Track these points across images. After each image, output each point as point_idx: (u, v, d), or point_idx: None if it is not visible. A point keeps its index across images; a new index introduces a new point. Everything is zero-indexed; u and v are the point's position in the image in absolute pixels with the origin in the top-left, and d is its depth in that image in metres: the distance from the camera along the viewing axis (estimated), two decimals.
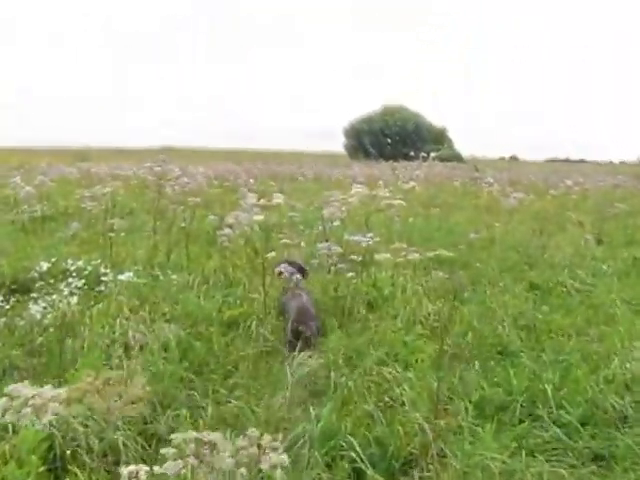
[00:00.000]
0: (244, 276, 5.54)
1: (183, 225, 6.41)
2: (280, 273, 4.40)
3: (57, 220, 9.72)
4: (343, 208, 5.37)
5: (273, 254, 4.30)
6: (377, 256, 4.23)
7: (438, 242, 7.72)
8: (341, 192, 7.72)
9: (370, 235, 4.57)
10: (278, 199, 4.29)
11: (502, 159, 79.40)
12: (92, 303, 5.05)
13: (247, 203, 4.52)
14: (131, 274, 5.58)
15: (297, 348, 3.81)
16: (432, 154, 65.33)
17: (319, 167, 23.92)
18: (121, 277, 5.45)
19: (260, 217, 4.12)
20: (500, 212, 11.00)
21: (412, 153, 65.09)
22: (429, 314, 4.75)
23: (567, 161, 74.76)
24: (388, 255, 4.17)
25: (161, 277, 5.81)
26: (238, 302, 4.86)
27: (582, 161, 76.61)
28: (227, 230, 4.85)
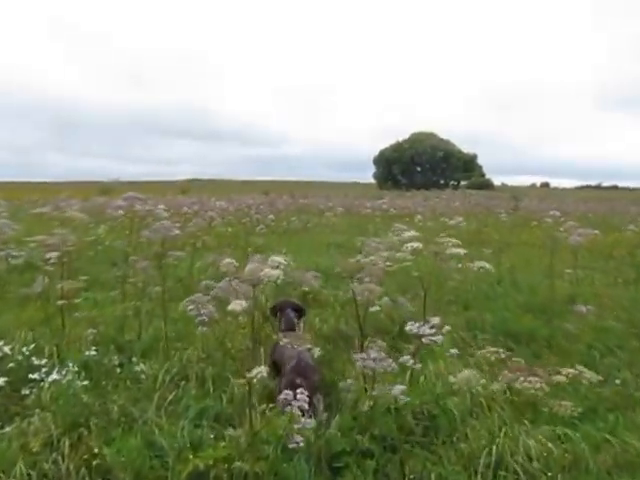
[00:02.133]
0: (233, 374, 3.66)
1: (158, 288, 4.60)
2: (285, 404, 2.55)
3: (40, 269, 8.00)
4: (386, 263, 3.50)
5: (262, 371, 2.40)
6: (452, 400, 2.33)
7: (504, 303, 5.74)
8: (377, 227, 5.90)
9: (433, 324, 2.68)
10: (275, 267, 2.48)
11: (533, 186, 76.82)
12: (2, 423, 3.25)
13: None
14: (71, 368, 3.75)
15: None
16: (462, 182, 63.10)
17: (348, 199, 22.03)
18: (53, 377, 3.62)
19: (239, 306, 2.28)
20: (559, 251, 8.94)
21: (442, 181, 62.95)
22: (529, 457, 2.78)
23: (599, 188, 71.70)
24: (464, 388, 2.28)
25: (119, 369, 3.97)
26: (213, 435, 2.95)
27: (615, 187, 73.33)
28: (207, 309, 2.99)
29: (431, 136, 66.01)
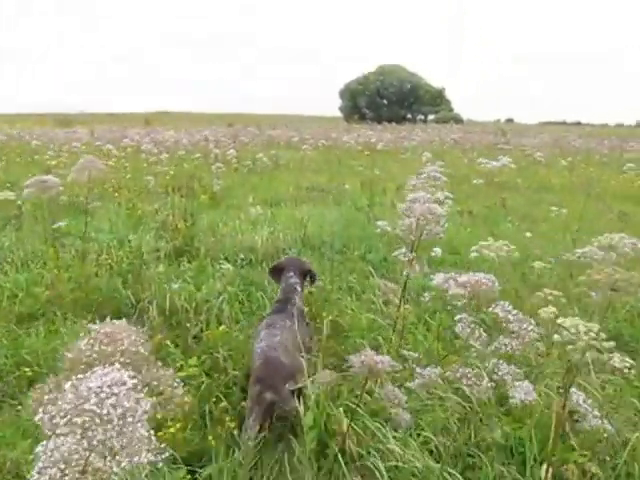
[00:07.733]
0: None
1: None
2: None
3: None
4: None
5: None
6: None
7: None
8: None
9: None
10: None
11: (498, 121, 74.24)
12: None
13: None
14: None
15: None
16: (430, 116, 59.83)
17: (321, 131, 19.00)
18: None
19: None
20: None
21: (409, 115, 59.62)
22: None
23: (564, 124, 69.69)
24: None
25: None
26: None
27: (578, 124, 71.29)
28: None
29: (398, 68, 62.22)
